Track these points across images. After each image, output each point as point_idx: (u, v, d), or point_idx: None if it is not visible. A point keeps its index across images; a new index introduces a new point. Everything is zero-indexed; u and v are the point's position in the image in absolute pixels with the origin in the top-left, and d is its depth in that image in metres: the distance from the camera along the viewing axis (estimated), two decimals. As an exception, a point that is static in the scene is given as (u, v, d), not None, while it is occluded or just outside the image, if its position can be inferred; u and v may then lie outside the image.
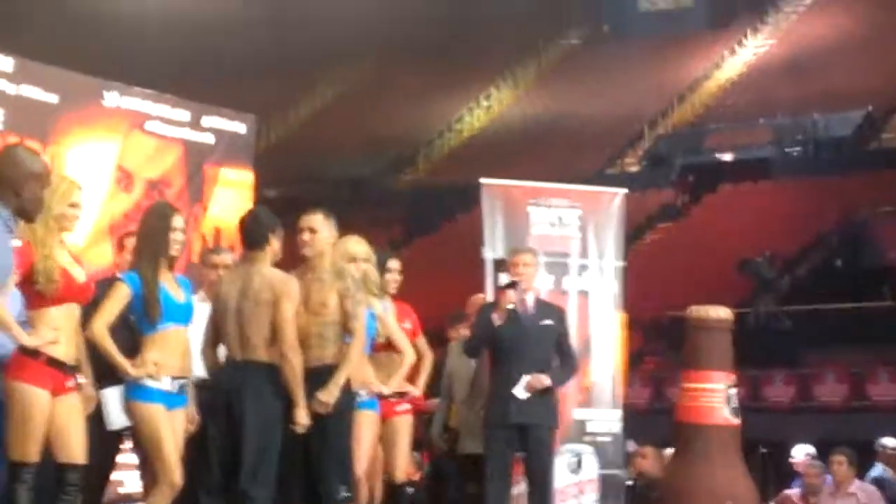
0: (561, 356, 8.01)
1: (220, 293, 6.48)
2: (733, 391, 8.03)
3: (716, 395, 7.94)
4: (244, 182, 11.07)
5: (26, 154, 5.06)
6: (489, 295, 8.79)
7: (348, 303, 6.55)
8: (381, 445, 7.43)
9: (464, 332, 8.52)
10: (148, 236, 6.23)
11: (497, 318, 7.83)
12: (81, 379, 5.97)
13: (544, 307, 8.08)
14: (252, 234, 6.50)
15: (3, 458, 5.93)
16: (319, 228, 6.65)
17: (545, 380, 7.81)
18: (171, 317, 6.13)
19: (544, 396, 7.84)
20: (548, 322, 7.97)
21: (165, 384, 6.10)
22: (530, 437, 7.80)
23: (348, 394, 6.57)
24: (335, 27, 36.53)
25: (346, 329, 6.56)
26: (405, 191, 33.03)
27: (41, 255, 5.78)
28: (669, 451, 9.52)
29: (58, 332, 5.79)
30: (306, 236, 6.64)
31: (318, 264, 6.63)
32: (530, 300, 7.98)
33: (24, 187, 4.86)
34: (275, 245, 6.47)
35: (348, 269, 6.80)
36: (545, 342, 7.94)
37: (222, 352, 6.51)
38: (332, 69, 38.33)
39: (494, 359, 7.98)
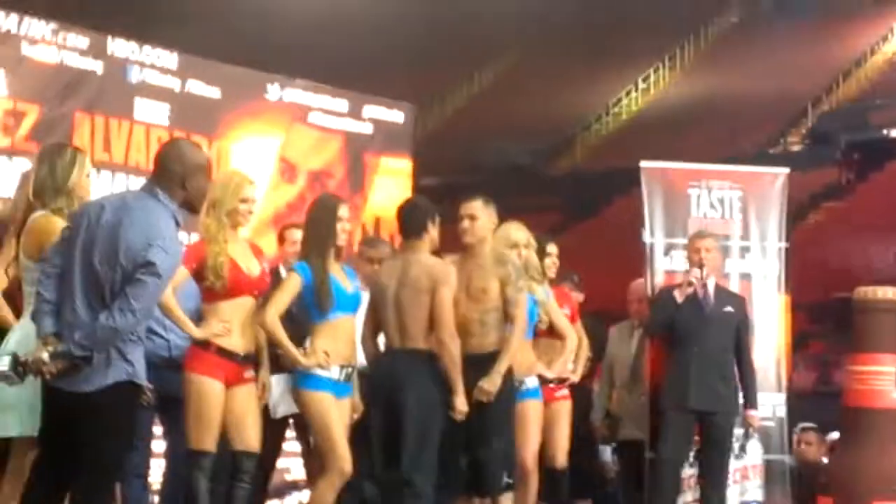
0: (739, 356, 7.96)
1: (379, 282, 6.54)
2: (903, 374, 7.84)
3: (885, 378, 7.78)
4: (403, 171, 11.14)
5: (189, 147, 5.17)
6: (649, 280, 8.72)
7: (509, 289, 6.58)
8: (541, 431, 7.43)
9: None
10: (316, 227, 6.28)
11: (679, 296, 7.83)
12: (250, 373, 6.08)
13: (725, 294, 8.08)
14: (410, 222, 6.55)
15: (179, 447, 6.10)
16: (479, 215, 6.68)
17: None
18: (341, 306, 6.19)
19: (728, 383, 7.84)
20: (728, 309, 7.96)
21: (334, 373, 6.14)
22: (713, 425, 7.81)
23: (510, 381, 6.60)
24: (490, 13, 36.58)
25: (506, 315, 6.59)
26: (563, 176, 32.92)
27: (212, 251, 5.93)
28: (834, 435, 9.34)
29: (228, 324, 5.93)
30: (466, 223, 6.68)
31: (479, 251, 6.66)
32: (711, 286, 7.94)
33: (190, 180, 4.96)
34: (433, 233, 6.51)
35: (509, 255, 6.83)
36: (725, 329, 7.93)
37: (382, 340, 6.58)
38: (488, 56, 38.37)
39: (671, 343, 7.96)
